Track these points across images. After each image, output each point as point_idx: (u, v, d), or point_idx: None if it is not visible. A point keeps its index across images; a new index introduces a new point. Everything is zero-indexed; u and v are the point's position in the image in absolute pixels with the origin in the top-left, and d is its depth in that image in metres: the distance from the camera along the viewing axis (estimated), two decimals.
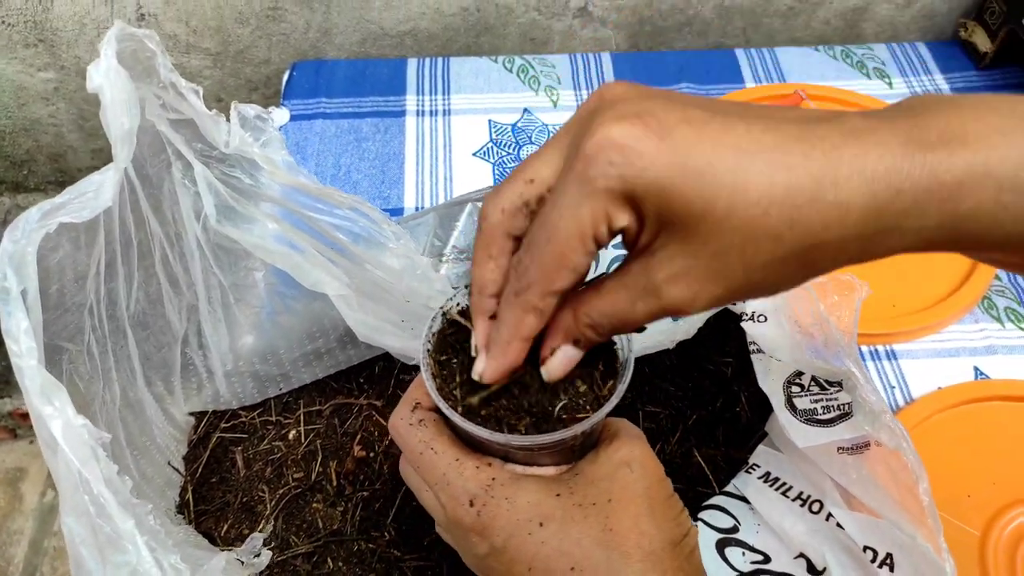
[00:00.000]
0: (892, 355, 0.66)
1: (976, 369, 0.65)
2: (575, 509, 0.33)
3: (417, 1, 0.87)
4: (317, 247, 0.43)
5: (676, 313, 0.29)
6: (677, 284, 0.28)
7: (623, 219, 0.28)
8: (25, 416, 1.48)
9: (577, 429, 0.32)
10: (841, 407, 0.40)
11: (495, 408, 0.33)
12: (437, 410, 0.36)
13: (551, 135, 0.81)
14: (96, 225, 0.37)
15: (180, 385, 0.50)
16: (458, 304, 0.38)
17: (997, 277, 0.71)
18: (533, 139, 0.82)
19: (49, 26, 0.85)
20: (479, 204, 0.61)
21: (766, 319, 0.43)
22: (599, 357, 0.35)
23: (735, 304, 0.47)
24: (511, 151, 0.81)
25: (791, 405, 0.42)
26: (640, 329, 0.32)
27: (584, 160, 0.27)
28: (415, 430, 0.35)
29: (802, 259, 0.27)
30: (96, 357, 0.42)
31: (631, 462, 0.34)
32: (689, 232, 0.27)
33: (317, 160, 0.79)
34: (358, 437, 0.52)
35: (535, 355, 0.32)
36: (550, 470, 0.35)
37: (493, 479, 0.33)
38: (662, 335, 0.45)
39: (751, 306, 0.43)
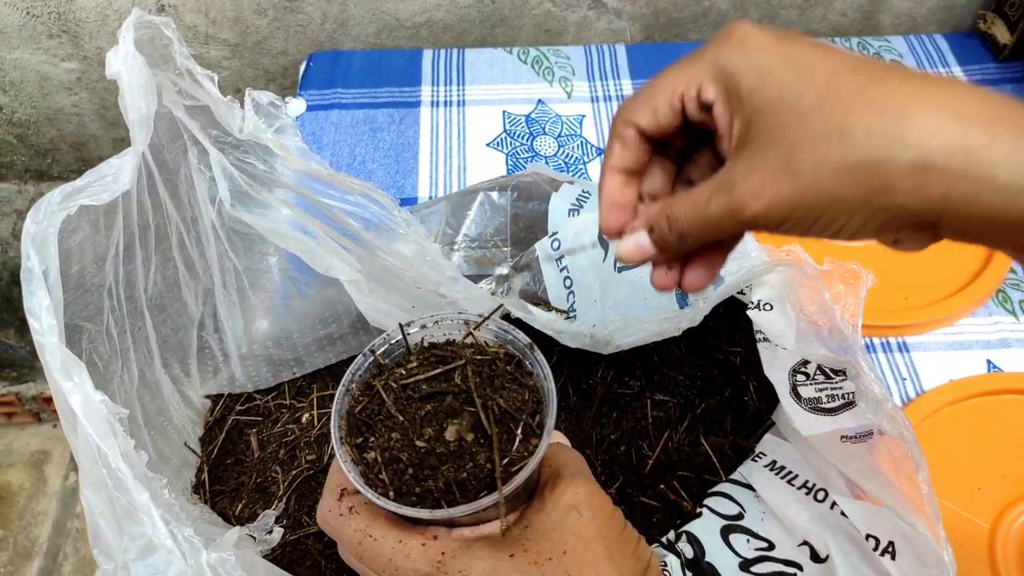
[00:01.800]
0: (904, 347, 0.66)
1: (989, 362, 0.65)
2: (532, 568, 0.31)
3: None
4: (330, 233, 0.44)
5: (743, 213, 0.29)
6: (749, 177, 0.29)
7: (711, 92, 0.31)
8: (49, 400, 1.51)
9: (519, 479, 0.31)
10: (845, 396, 0.41)
11: (426, 481, 0.32)
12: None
13: (565, 126, 0.82)
14: (115, 208, 0.38)
15: (196, 368, 0.52)
16: (362, 370, 0.36)
17: (1012, 271, 0.70)
18: (547, 130, 0.83)
19: (72, 17, 0.87)
20: (491, 194, 0.61)
21: (772, 308, 0.43)
22: (522, 399, 0.34)
23: (743, 293, 0.47)
24: (525, 142, 0.82)
25: (796, 394, 0.42)
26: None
27: (708, 42, 0.32)
28: (348, 520, 0.33)
29: (872, 178, 0.27)
30: (115, 338, 0.43)
31: (578, 505, 0.33)
32: (774, 125, 0.28)
33: (333, 150, 0.80)
34: None
35: (439, 426, 0.32)
36: (495, 525, 0.33)
37: (443, 554, 0.32)
38: (668, 323, 0.45)
39: (757, 295, 0.43)
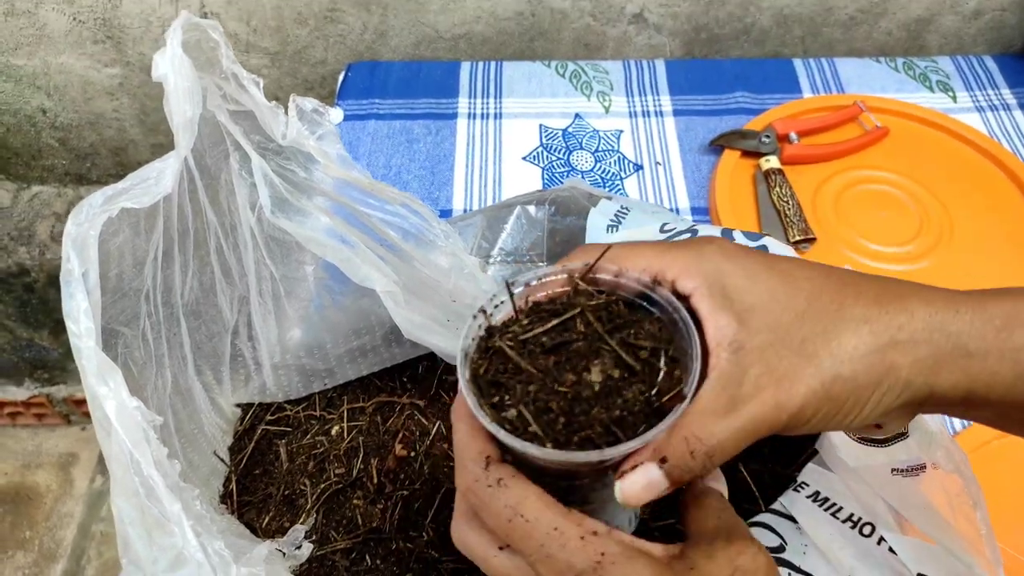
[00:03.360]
0: None
1: None
2: None
3: (472, 5, 0.87)
4: (367, 243, 0.43)
5: (781, 415, 0.30)
6: (775, 377, 0.29)
7: (689, 284, 0.32)
8: (79, 403, 1.52)
9: (684, 405, 0.29)
10: (899, 428, 0.39)
11: (582, 427, 0.30)
12: (507, 460, 0.32)
13: (602, 141, 0.81)
14: (156, 212, 0.38)
15: (229, 376, 0.51)
16: (497, 305, 0.34)
17: None
18: (583, 144, 0.82)
19: (117, 23, 0.88)
20: (528, 207, 0.60)
21: None
22: (653, 333, 0.32)
23: None
24: (561, 156, 0.81)
25: None
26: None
27: (677, 242, 0.33)
28: (497, 493, 0.31)
29: (881, 362, 0.30)
30: (150, 343, 0.42)
31: (754, 572, 0.31)
32: (774, 324, 0.30)
33: (369, 160, 0.80)
34: (400, 436, 0.52)
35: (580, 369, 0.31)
36: (657, 547, 0.31)
37: (602, 555, 0.30)
38: None
39: None
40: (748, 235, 0.52)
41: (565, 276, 0.35)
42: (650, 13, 0.88)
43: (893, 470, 0.39)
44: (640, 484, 0.30)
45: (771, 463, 0.53)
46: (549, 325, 0.33)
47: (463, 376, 0.32)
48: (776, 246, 0.50)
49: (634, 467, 0.30)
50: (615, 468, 0.31)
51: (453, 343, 0.46)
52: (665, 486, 0.30)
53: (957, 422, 0.61)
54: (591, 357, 0.31)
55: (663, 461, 0.29)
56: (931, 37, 0.91)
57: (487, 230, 0.60)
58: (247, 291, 0.47)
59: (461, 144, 0.82)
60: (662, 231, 0.55)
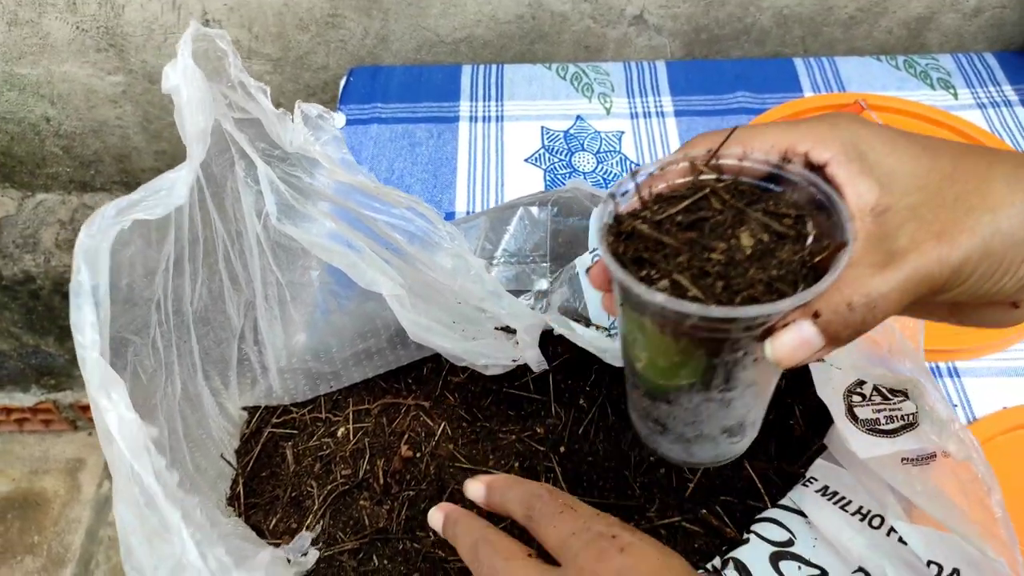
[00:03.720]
0: (954, 372, 0.64)
1: None
2: None
3: (473, 9, 0.87)
4: (373, 247, 0.43)
5: (942, 272, 0.29)
6: (934, 233, 0.29)
7: (825, 153, 0.30)
8: (85, 408, 1.53)
9: (844, 260, 0.28)
10: (905, 417, 0.39)
11: (741, 288, 0.28)
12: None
13: (604, 143, 0.81)
14: (167, 222, 0.38)
15: (236, 380, 0.52)
16: (624, 192, 0.32)
17: None
18: (585, 146, 0.82)
19: (120, 31, 0.89)
20: (531, 208, 0.61)
21: None
22: (793, 201, 0.31)
23: None
24: (563, 157, 0.81)
25: (852, 415, 0.41)
26: None
27: (810, 116, 0.32)
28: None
29: None
30: (160, 351, 0.43)
31: None
32: (923, 185, 0.29)
33: (371, 164, 0.81)
34: (405, 437, 0.53)
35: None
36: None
37: None
38: None
39: None
40: None
41: (687, 164, 0.33)
42: (650, 15, 0.88)
43: (903, 460, 0.39)
44: (793, 342, 0.29)
45: (777, 460, 0.53)
46: (681, 206, 0.31)
47: (606, 254, 0.30)
48: None
49: (786, 325, 0.29)
50: (766, 335, 0.30)
51: (458, 344, 0.47)
52: (820, 344, 0.29)
53: (962, 416, 0.61)
54: (736, 227, 0.30)
55: (816, 316, 0.29)
56: (931, 35, 0.91)
57: (490, 232, 0.61)
58: (253, 296, 0.47)
59: (463, 147, 0.82)
60: None
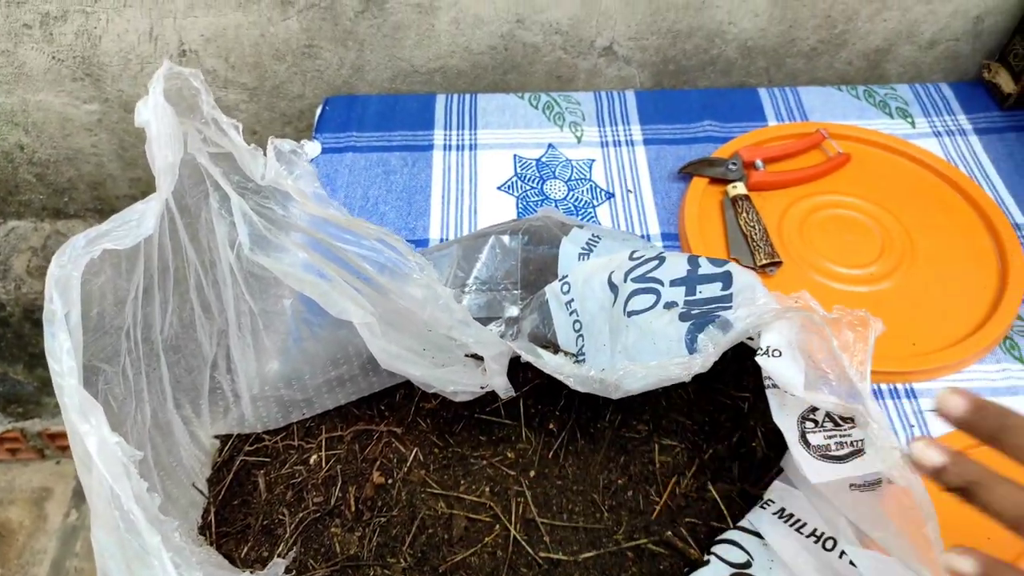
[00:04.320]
0: (912, 394, 0.66)
1: None
2: None
3: (447, 40, 0.89)
4: (344, 276, 0.44)
5: None
6: None
7: None
8: (53, 437, 1.51)
9: None
10: (854, 443, 0.41)
11: None
12: None
13: (575, 171, 0.83)
14: (137, 252, 0.39)
15: (207, 408, 0.52)
16: None
17: (1019, 318, 0.71)
18: (557, 174, 0.84)
19: (96, 61, 0.89)
20: (502, 237, 0.62)
21: (781, 354, 0.43)
22: None
23: (751, 339, 0.48)
24: (535, 185, 0.83)
25: (805, 441, 0.42)
26: None
27: None
28: None
29: None
30: (130, 379, 0.43)
31: None
32: None
33: (346, 192, 0.82)
34: (377, 463, 0.54)
35: None
36: None
37: None
38: (678, 367, 0.46)
39: (766, 341, 0.44)
40: (713, 261, 0.54)
41: None
42: (619, 46, 0.91)
43: (851, 485, 0.40)
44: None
45: (740, 482, 0.55)
46: None
47: None
48: (739, 272, 0.52)
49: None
50: None
51: (428, 372, 0.48)
52: None
53: (905, 443, 0.63)
54: None
55: None
56: (890, 66, 0.94)
57: (462, 260, 0.62)
58: (226, 325, 0.48)
59: (437, 175, 0.84)
60: (631, 259, 0.57)
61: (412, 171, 0.84)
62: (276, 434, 0.56)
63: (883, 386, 0.67)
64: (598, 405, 0.59)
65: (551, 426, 0.59)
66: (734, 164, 0.81)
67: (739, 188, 0.79)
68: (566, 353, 0.58)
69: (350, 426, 0.56)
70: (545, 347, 0.59)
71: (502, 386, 0.49)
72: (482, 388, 0.50)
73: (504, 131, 0.89)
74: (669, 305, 0.51)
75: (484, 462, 0.57)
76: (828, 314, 0.43)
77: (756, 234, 0.76)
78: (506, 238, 0.62)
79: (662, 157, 0.86)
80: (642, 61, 0.92)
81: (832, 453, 0.41)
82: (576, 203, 0.81)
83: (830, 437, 0.42)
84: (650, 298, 0.52)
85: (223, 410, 0.54)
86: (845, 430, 0.42)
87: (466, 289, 0.61)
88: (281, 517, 0.51)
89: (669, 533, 0.51)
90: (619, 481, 0.56)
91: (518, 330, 0.61)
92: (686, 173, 0.82)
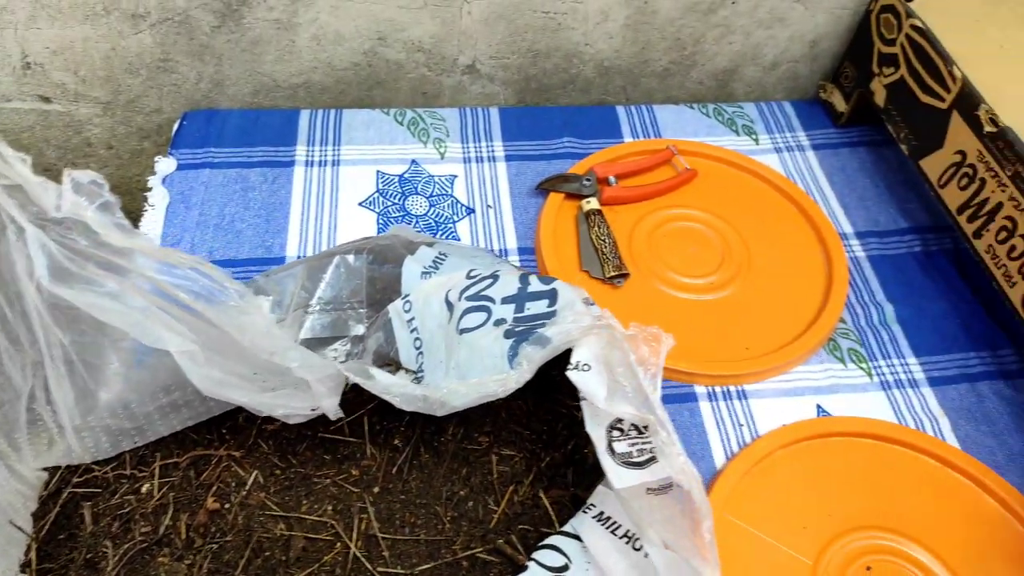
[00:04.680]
0: (743, 395, 0.71)
1: (819, 407, 0.70)
2: None
3: (308, 56, 0.89)
4: (160, 304, 0.44)
5: None
6: None
7: None
8: None
9: None
10: (652, 451, 0.44)
11: None
12: None
13: (437, 186, 0.85)
14: None
15: (27, 441, 0.50)
16: None
17: (842, 320, 0.77)
18: (419, 190, 0.85)
19: None
20: (347, 257, 0.63)
21: (590, 368, 0.46)
22: None
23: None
24: (397, 201, 0.84)
25: (611, 449, 0.45)
26: None
27: None
28: None
29: None
30: None
31: None
32: None
33: (201, 209, 0.80)
34: (213, 489, 0.53)
35: None
36: None
37: None
38: (496, 384, 0.48)
39: (576, 356, 0.46)
40: (542, 279, 0.56)
41: None
42: (482, 65, 0.93)
43: (648, 489, 0.43)
44: None
45: (573, 487, 0.58)
46: None
47: None
48: (564, 289, 0.54)
49: None
50: None
51: (255, 396, 0.48)
52: None
53: (747, 435, 0.68)
54: None
55: None
56: (737, 86, 1.00)
57: (307, 280, 0.62)
58: (40, 356, 0.47)
59: (298, 191, 0.84)
60: (468, 277, 0.59)
61: (272, 188, 0.84)
62: (107, 464, 0.55)
63: (718, 388, 0.71)
64: (442, 420, 0.61)
65: (396, 441, 0.60)
66: (588, 180, 0.85)
67: (592, 203, 0.83)
68: (407, 371, 0.59)
69: (187, 452, 0.55)
70: (388, 365, 0.61)
71: (331, 408, 0.50)
72: (313, 411, 0.50)
73: (368, 147, 0.89)
74: (499, 322, 0.53)
75: (328, 480, 0.57)
76: (626, 331, 0.46)
77: (606, 247, 0.79)
78: (351, 257, 0.63)
79: (522, 173, 0.88)
80: (505, 79, 0.95)
81: (634, 460, 0.44)
82: (437, 219, 0.83)
83: (633, 444, 0.45)
84: (482, 316, 0.54)
85: (47, 442, 0.52)
86: (646, 437, 0.45)
87: (309, 309, 0.61)
88: (105, 550, 0.50)
89: (501, 541, 0.53)
90: (461, 492, 0.58)
91: (363, 348, 0.62)
92: (543, 189, 0.85)
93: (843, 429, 0.68)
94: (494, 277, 0.57)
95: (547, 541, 0.50)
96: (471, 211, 0.84)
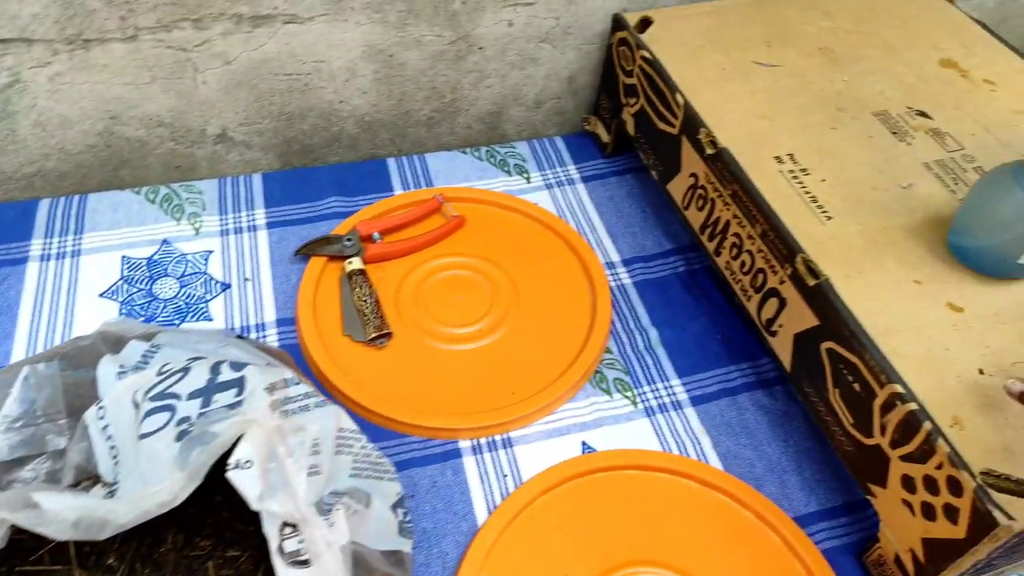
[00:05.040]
0: (508, 443, 0.69)
1: (584, 444, 0.70)
2: None
3: (35, 144, 0.83)
4: None
5: None
6: None
7: None
8: None
9: None
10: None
11: None
12: None
13: (189, 265, 0.80)
14: None
15: None
16: None
17: (608, 350, 0.77)
18: (169, 271, 0.81)
19: None
20: (37, 366, 0.58)
21: (252, 465, 0.43)
22: None
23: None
24: (143, 286, 0.79)
25: (281, 550, 0.42)
26: None
27: None
28: None
29: None
30: None
31: None
32: None
33: None
34: None
35: None
36: None
37: None
38: (165, 493, 0.44)
39: (237, 454, 0.43)
40: (234, 365, 0.53)
41: None
42: (234, 132, 0.89)
43: None
44: None
45: None
46: None
47: None
48: (253, 375, 0.51)
49: None
50: None
51: None
52: None
53: (511, 484, 0.66)
54: None
55: None
56: (507, 126, 1.01)
57: None
58: None
59: (29, 290, 0.77)
60: (159, 373, 0.54)
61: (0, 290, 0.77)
62: None
63: (483, 440, 0.70)
64: (159, 528, 0.56)
65: (110, 561, 0.55)
66: (350, 240, 0.83)
67: (355, 263, 0.81)
68: (104, 484, 0.54)
69: None
70: (89, 479, 0.55)
71: None
72: None
73: (114, 231, 0.84)
74: (181, 421, 0.49)
75: None
76: (275, 422, 0.43)
77: (368, 308, 0.77)
78: (41, 366, 0.57)
79: (285, 239, 0.85)
80: (263, 144, 0.92)
81: (301, 558, 0.41)
82: (188, 300, 0.78)
83: (302, 541, 0.42)
84: (164, 416, 0.50)
85: None
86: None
87: None
88: None
89: None
90: None
91: (64, 463, 0.56)
92: (303, 254, 0.82)
93: (603, 464, 0.67)
94: (185, 370, 0.53)
95: None
96: (227, 287, 0.80)
